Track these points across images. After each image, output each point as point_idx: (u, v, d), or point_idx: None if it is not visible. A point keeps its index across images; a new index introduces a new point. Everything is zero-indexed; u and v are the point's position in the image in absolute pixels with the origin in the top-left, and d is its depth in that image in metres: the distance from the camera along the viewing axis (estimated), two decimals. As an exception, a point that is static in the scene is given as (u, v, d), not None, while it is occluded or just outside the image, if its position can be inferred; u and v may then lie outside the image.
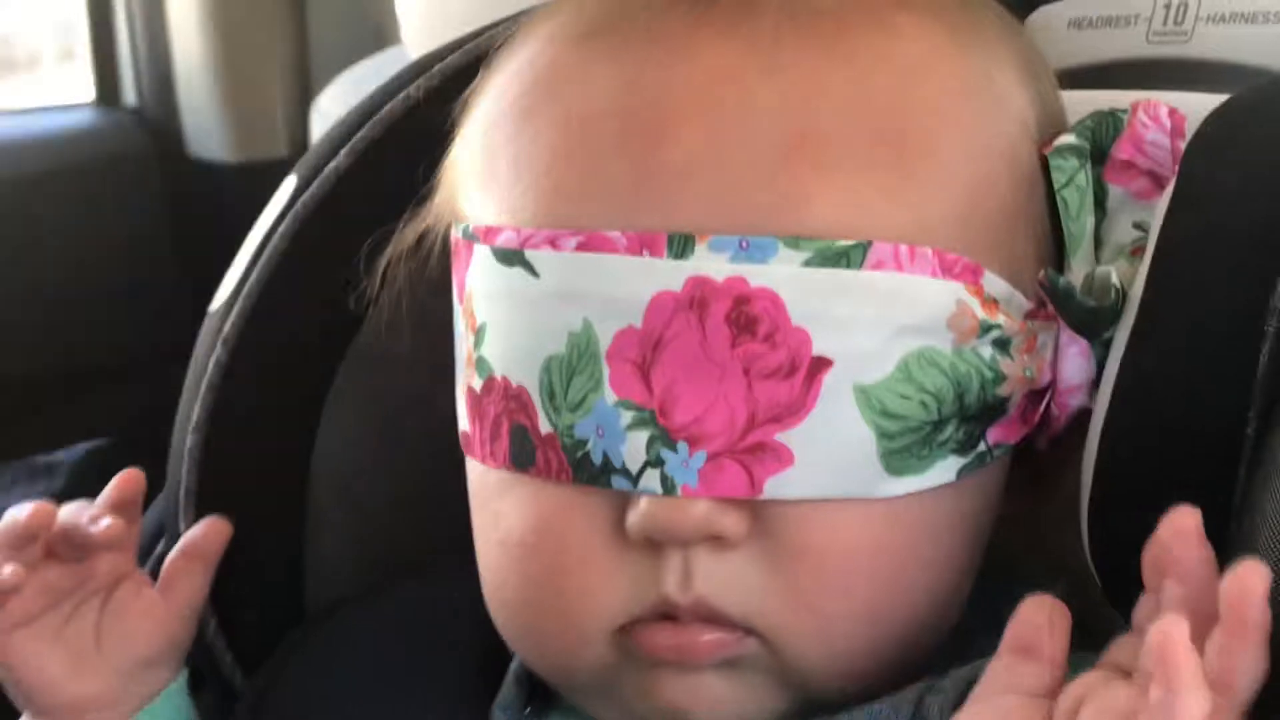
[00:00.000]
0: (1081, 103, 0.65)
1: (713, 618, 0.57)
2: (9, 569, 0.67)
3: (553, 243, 0.56)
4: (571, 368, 0.56)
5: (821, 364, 0.54)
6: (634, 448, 0.55)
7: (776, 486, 0.55)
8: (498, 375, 0.59)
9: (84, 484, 1.45)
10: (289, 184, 0.80)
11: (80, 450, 1.48)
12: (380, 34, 1.85)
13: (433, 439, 0.78)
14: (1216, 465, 0.54)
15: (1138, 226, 0.61)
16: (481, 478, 0.62)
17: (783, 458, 0.55)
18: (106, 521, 0.70)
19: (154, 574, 0.81)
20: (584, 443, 0.56)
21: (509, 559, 0.61)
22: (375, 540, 0.80)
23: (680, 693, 0.58)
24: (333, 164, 0.79)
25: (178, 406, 0.81)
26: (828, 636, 0.57)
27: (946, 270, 0.55)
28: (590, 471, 0.56)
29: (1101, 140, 0.61)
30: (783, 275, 0.53)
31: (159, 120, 1.82)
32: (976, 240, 0.57)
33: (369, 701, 0.68)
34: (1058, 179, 0.60)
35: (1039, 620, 0.51)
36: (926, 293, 0.55)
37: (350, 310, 0.74)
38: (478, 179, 0.62)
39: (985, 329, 0.56)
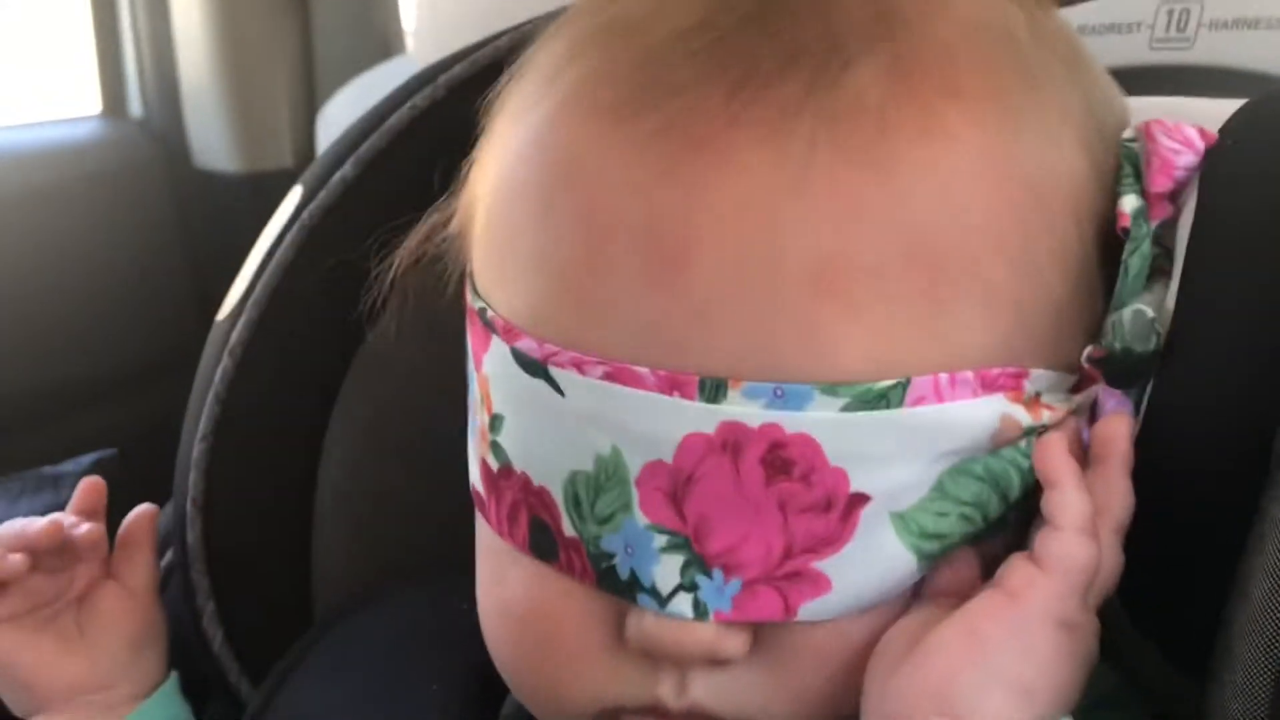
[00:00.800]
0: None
1: (706, 718, 0.56)
2: (17, 557, 0.71)
3: (579, 366, 0.53)
4: (599, 486, 0.54)
5: (859, 499, 0.52)
6: (667, 570, 0.54)
7: (811, 610, 0.54)
8: (517, 469, 0.57)
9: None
10: (295, 194, 0.80)
11: (87, 461, 1.47)
12: (386, 43, 1.85)
13: (438, 447, 0.78)
14: (1245, 481, 0.53)
15: (1155, 243, 0.57)
16: (486, 533, 0.61)
17: (820, 584, 0.53)
18: (87, 526, 0.75)
19: (164, 583, 0.81)
20: (610, 556, 0.54)
21: (506, 623, 0.60)
22: (381, 549, 0.80)
23: None
24: (339, 174, 0.79)
25: (184, 416, 0.82)
26: None
27: (988, 387, 0.53)
28: (616, 585, 0.55)
29: (1139, 180, 0.58)
30: (819, 421, 0.51)
31: (165, 132, 1.82)
32: (1022, 350, 0.54)
33: (374, 710, 0.68)
34: (1129, 248, 0.56)
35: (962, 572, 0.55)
36: (969, 416, 0.53)
37: (357, 320, 0.74)
38: (497, 253, 0.58)
39: (1028, 431, 0.54)
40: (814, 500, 0.52)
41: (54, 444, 1.54)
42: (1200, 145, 0.58)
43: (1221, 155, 0.58)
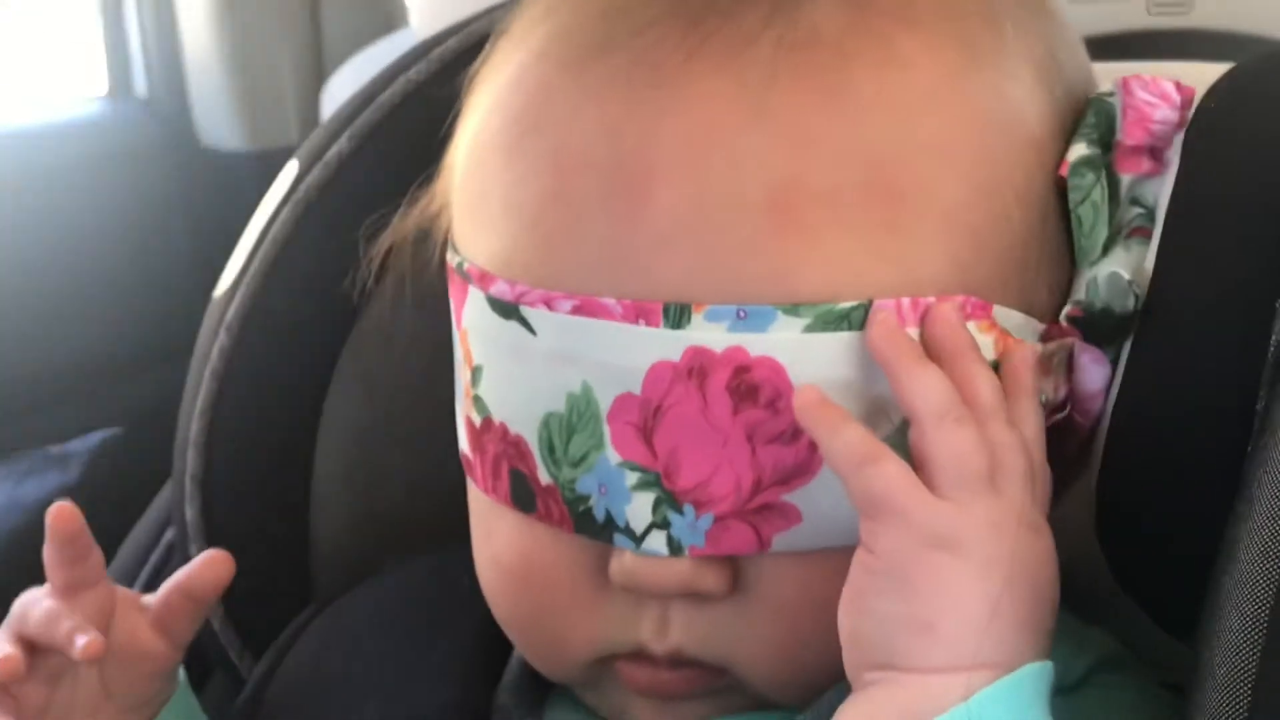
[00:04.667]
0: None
1: (688, 664, 0.57)
2: (11, 649, 0.63)
3: (548, 303, 0.55)
4: (571, 426, 0.55)
5: None
6: (639, 508, 0.55)
7: (784, 541, 0.55)
8: (495, 419, 0.58)
9: (97, 474, 1.46)
10: (291, 169, 0.80)
11: (93, 440, 1.48)
12: (390, 18, 1.85)
13: (435, 421, 0.78)
14: (1227, 443, 0.53)
15: (1135, 203, 0.58)
16: (475, 493, 0.62)
17: (790, 516, 0.54)
18: (84, 639, 0.62)
19: (165, 560, 0.81)
20: (586, 498, 0.56)
21: (499, 578, 0.62)
22: (380, 522, 0.80)
23: (656, 717, 0.60)
24: (334, 149, 0.79)
25: (189, 395, 0.82)
26: (803, 676, 0.57)
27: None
28: (592, 527, 0.56)
29: (1104, 132, 0.59)
30: (783, 342, 0.52)
31: (170, 111, 1.82)
32: (983, 280, 0.54)
33: (374, 682, 0.68)
34: (1074, 198, 0.57)
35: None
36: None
37: (353, 293, 0.74)
38: (470, 207, 0.60)
39: (994, 366, 0.54)
40: (781, 429, 0.53)
41: (60, 424, 1.55)
42: (1177, 99, 0.58)
43: (1206, 116, 0.58)
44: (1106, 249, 0.58)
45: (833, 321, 0.52)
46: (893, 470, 0.50)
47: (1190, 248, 0.56)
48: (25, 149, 1.66)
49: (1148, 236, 0.58)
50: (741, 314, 0.52)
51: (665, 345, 0.53)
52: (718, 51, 0.54)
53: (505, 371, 0.57)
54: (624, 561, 0.56)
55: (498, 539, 0.61)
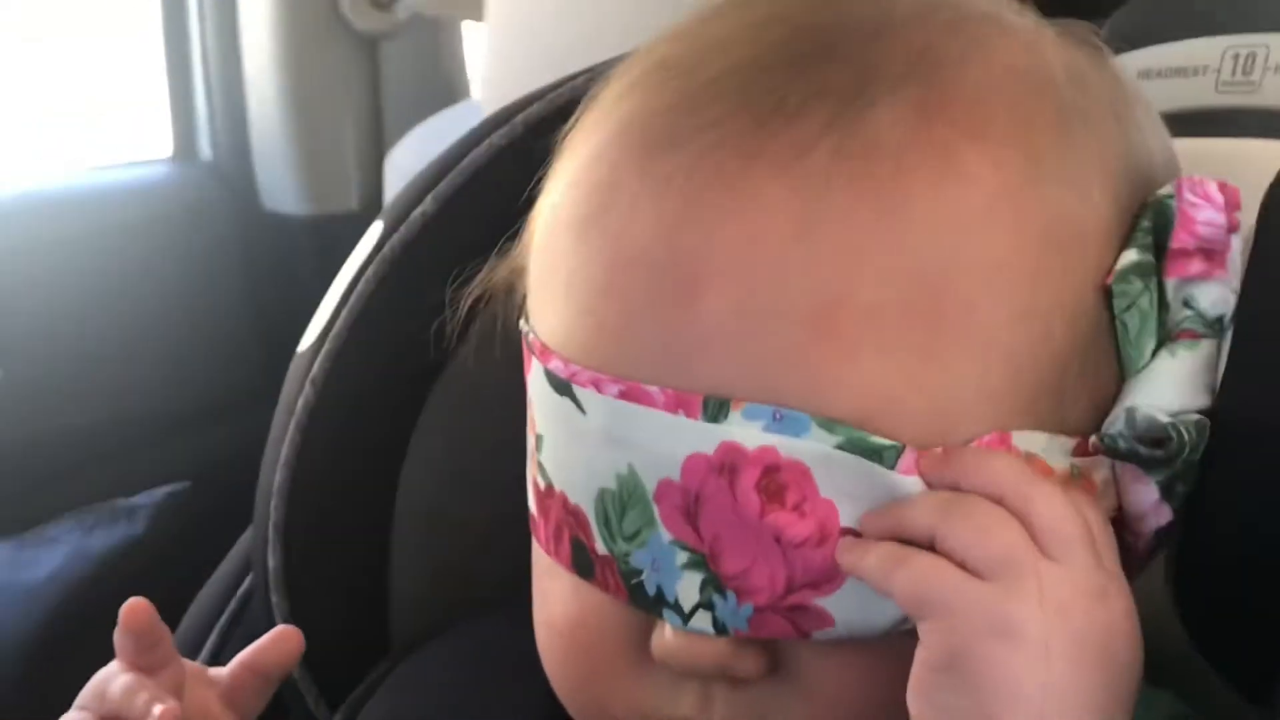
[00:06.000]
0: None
1: None
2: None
3: (596, 385, 0.55)
4: (623, 503, 0.56)
5: (851, 534, 0.53)
6: (688, 587, 0.55)
7: (822, 635, 0.55)
8: (557, 488, 0.59)
9: (163, 526, 1.48)
10: (376, 229, 0.82)
11: (159, 494, 1.50)
12: (452, 88, 1.88)
13: (515, 474, 0.80)
14: None
15: (1186, 305, 0.57)
16: (537, 552, 0.63)
17: (824, 619, 0.54)
18: (161, 708, 0.62)
19: (241, 609, 0.83)
20: (639, 571, 0.56)
21: (551, 639, 0.62)
22: (458, 578, 0.81)
23: None
24: (419, 209, 0.80)
25: (252, 449, 0.83)
26: None
27: None
28: (644, 600, 0.56)
29: (1161, 235, 0.57)
30: (814, 451, 0.52)
31: (234, 174, 1.85)
32: (1014, 405, 0.54)
33: None
34: (1119, 304, 0.56)
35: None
36: None
37: (435, 349, 0.76)
38: (539, 280, 0.61)
39: None
40: (808, 533, 0.53)
41: (127, 478, 1.57)
42: (1220, 200, 0.57)
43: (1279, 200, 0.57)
44: (1155, 353, 0.56)
45: (865, 450, 0.52)
46: (923, 563, 0.51)
47: (1266, 329, 0.55)
48: (93, 208, 1.70)
49: (1195, 339, 0.56)
50: (778, 415, 0.52)
51: (701, 437, 0.53)
52: (777, 156, 0.53)
53: (563, 444, 0.58)
54: (664, 637, 0.57)
55: (552, 601, 0.62)
